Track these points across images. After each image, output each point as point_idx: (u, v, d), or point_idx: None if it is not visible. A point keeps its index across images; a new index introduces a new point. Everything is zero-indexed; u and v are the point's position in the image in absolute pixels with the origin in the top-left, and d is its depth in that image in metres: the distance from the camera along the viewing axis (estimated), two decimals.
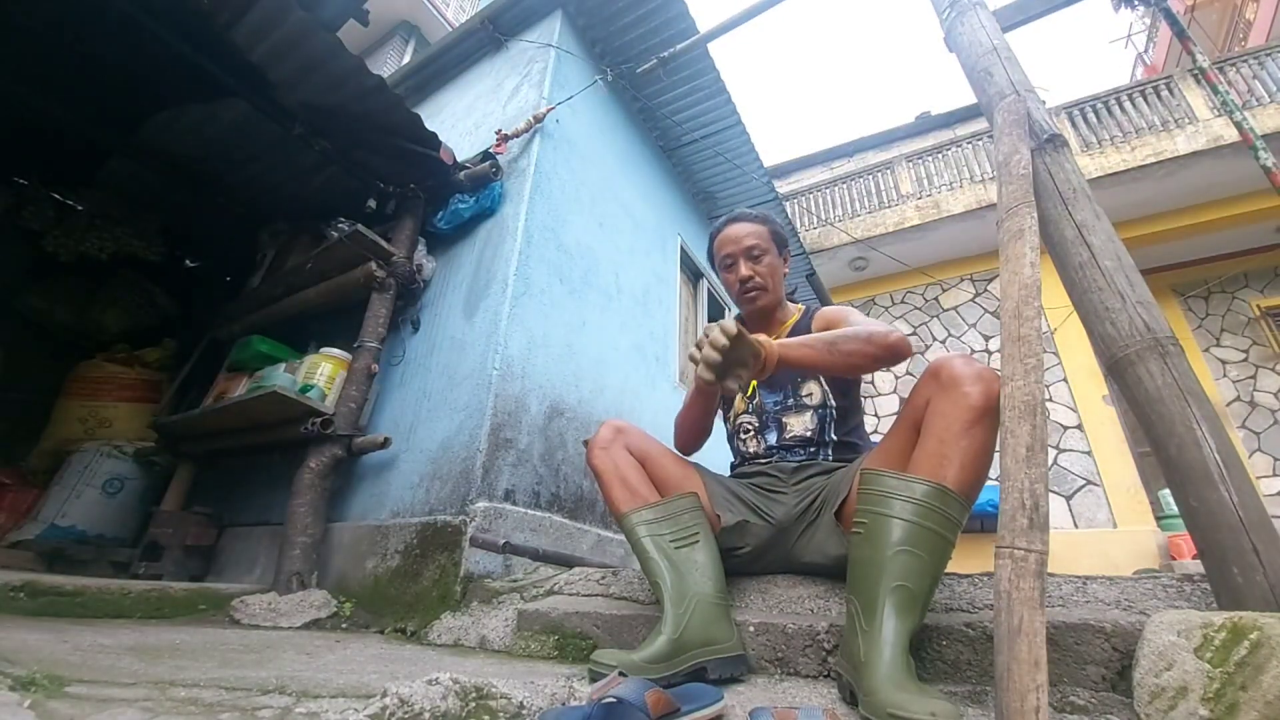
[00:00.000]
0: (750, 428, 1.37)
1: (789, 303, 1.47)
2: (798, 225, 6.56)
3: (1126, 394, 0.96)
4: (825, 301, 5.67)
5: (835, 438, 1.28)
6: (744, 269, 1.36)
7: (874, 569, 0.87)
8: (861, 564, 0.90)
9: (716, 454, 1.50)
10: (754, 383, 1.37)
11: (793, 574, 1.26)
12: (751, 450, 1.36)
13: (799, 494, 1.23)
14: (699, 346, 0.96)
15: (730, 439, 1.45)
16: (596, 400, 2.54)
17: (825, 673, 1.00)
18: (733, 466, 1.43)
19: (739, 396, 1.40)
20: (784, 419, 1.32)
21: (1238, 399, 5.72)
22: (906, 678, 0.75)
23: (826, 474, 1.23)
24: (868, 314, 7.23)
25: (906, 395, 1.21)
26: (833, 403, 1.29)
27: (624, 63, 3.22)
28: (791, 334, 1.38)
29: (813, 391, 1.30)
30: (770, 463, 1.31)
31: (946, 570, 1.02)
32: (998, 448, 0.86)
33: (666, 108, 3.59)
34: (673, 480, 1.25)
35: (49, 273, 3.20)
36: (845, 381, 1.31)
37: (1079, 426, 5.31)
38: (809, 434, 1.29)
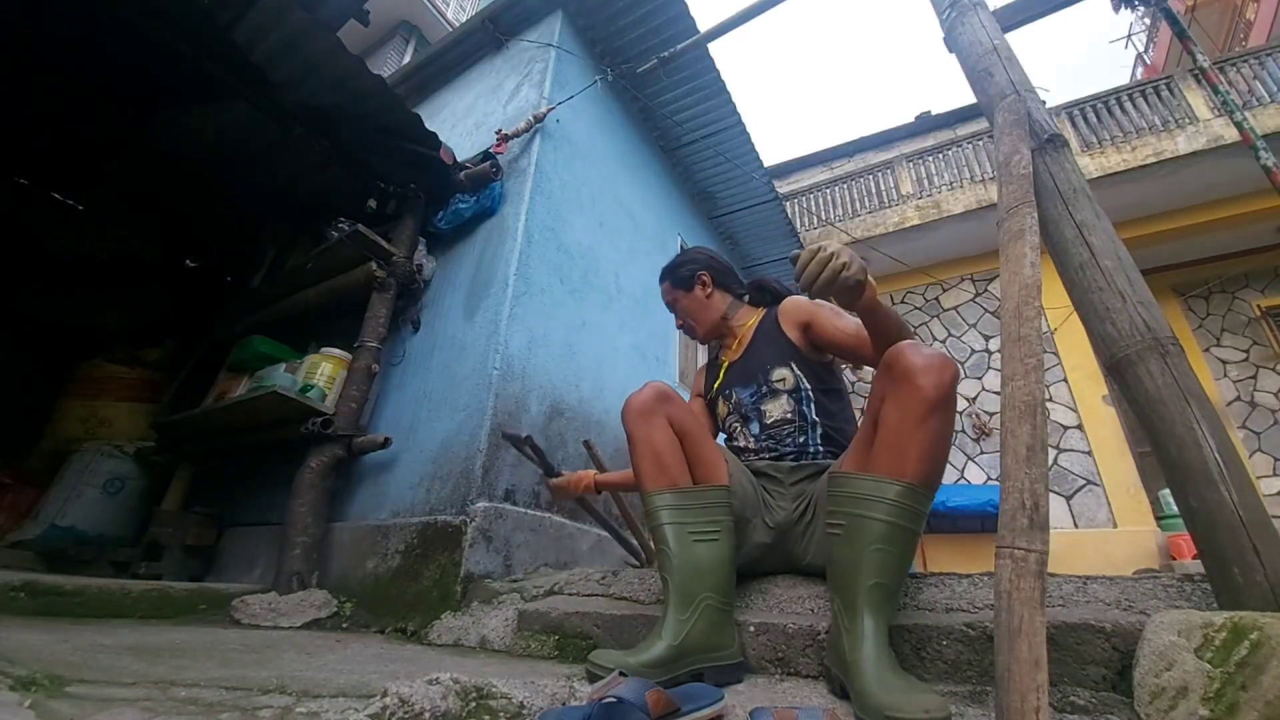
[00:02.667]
0: (737, 423, 1.42)
1: (744, 308, 1.53)
2: (798, 225, 6.55)
3: (1127, 394, 0.96)
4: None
5: (818, 419, 1.30)
6: (676, 317, 1.57)
7: (852, 569, 0.90)
8: (840, 564, 0.93)
9: None
10: (719, 382, 1.46)
11: (793, 574, 1.26)
12: (742, 444, 1.39)
13: (794, 498, 1.25)
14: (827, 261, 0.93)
15: (726, 440, 1.48)
16: (596, 400, 2.54)
17: (825, 673, 1.00)
18: None
19: (722, 402, 1.46)
20: (762, 407, 1.36)
21: (1238, 399, 5.72)
22: (893, 675, 0.78)
23: (818, 474, 1.25)
24: None
25: None
26: (806, 385, 1.32)
27: (624, 63, 3.22)
28: (755, 335, 1.44)
29: (785, 376, 1.33)
30: (766, 459, 1.33)
31: (946, 570, 1.03)
32: (997, 448, 0.86)
33: (667, 108, 3.59)
34: (705, 463, 1.19)
35: (50, 273, 3.20)
36: (819, 366, 1.33)
37: (1079, 426, 5.31)
38: (789, 415, 1.32)
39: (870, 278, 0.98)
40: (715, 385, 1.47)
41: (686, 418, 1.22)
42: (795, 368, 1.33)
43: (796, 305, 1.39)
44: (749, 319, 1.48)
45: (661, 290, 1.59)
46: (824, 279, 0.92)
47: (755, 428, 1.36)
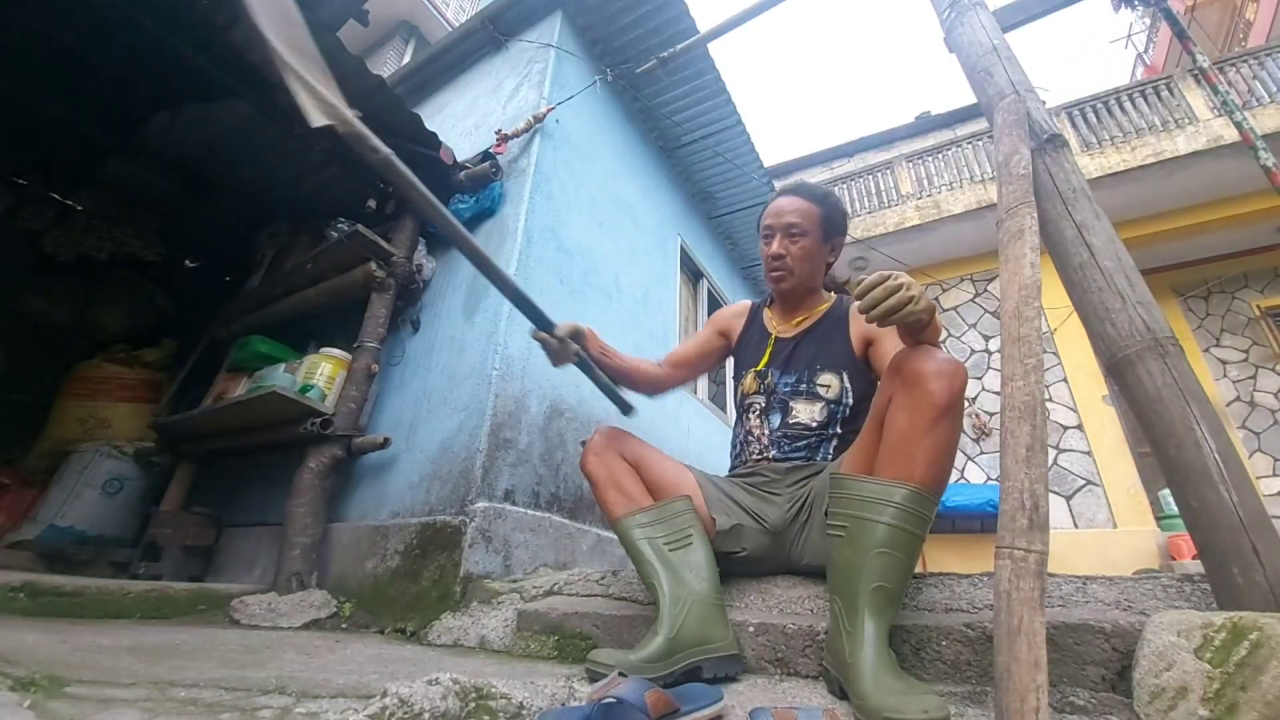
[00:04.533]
0: (758, 407, 1.34)
1: (825, 291, 1.43)
2: None
3: (1126, 394, 0.96)
4: None
5: (840, 432, 1.26)
6: (776, 246, 1.32)
7: (854, 571, 0.89)
8: (842, 566, 0.92)
9: (717, 456, 1.50)
10: (765, 360, 1.35)
11: (792, 574, 1.26)
12: (755, 429, 1.33)
13: (791, 497, 1.23)
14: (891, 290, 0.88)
15: (738, 418, 1.42)
16: (596, 400, 2.53)
17: (824, 673, 1.00)
18: (731, 464, 1.42)
19: (752, 375, 1.36)
20: (791, 404, 1.29)
21: (1238, 399, 5.72)
22: (892, 677, 0.78)
23: (816, 474, 1.23)
24: None
25: None
26: (849, 400, 1.26)
27: (624, 63, 3.22)
28: (820, 321, 1.36)
29: (831, 383, 1.27)
30: (764, 460, 1.30)
31: (946, 570, 1.03)
32: (997, 448, 0.86)
33: (666, 108, 3.59)
34: (666, 483, 1.24)
35: (49, 273, 3.20)
36: (867, 381, 1.27)
37: (1079, 426, 5.31)
38: (814, 424, 1.26)
39: (937, 317, 0.96)
40: (762, 361, 1.36)
41: (638, 448, 1.28)
42: (846, 378, 1.27)
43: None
44: (820, 304, 1.39)
45: (789, 204, 1.32)
46: (888, 306, 0.87)
47: (775, 420, 1.30)
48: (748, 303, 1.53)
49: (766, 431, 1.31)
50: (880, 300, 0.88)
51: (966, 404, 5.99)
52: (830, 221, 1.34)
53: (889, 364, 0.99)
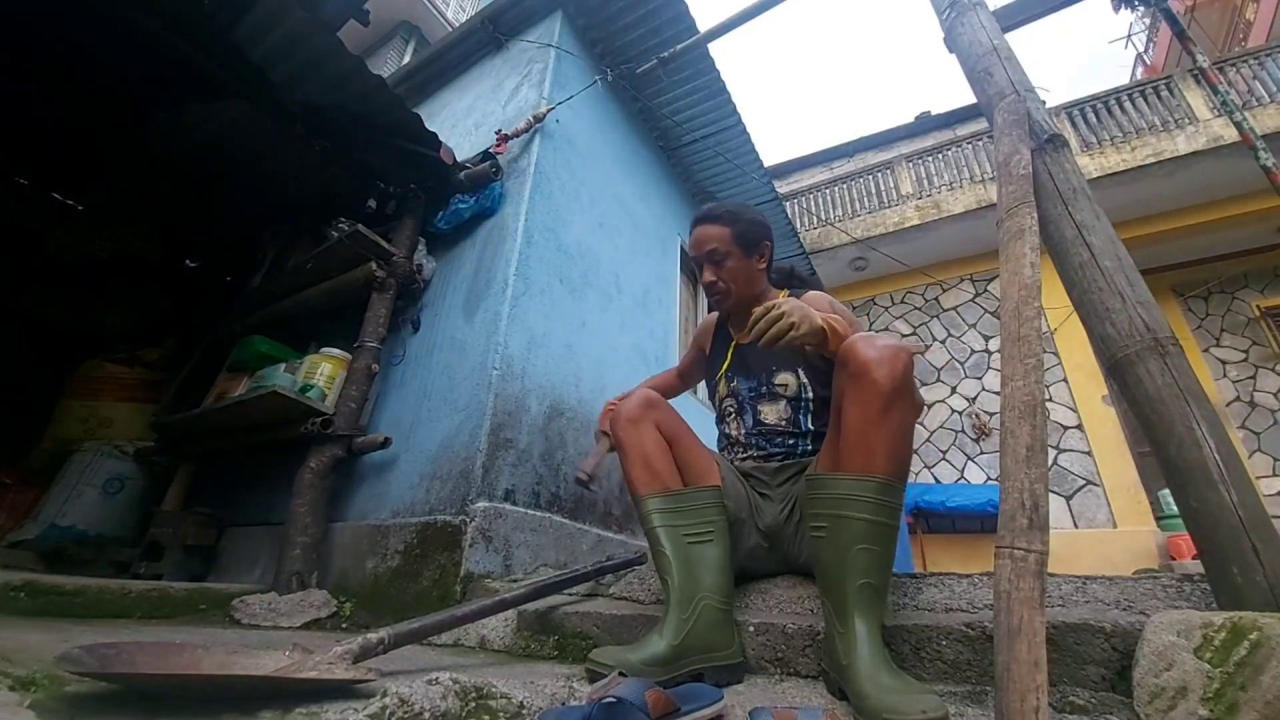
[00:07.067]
0: (731, 410, 1.38)
1: (771, 290, 1.44)
2: (798, 225, 6.56)
3: (1126, 394, 0.96)
4: None
5: (813, 428, 1.27)
6: (706, 274, 1.34)
7: (839, 570, 0.91)
8: (827, 566, 0.94)
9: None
10: (725, 365, 1.40)
11: (792, 574, 1.26)
12: (733, 432, 1.37)
13: (782, 498, 1.24)
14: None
15: (717, 421, 1.46)
16: (597, 400, 2.54)
17: (824, 673, 1.00)
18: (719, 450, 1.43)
19: (722, 380, 1.41)
20: (758, 405, 1.32)
21: (1238, 399, 5.72)
22: (890, 676, 0.78)
23: (803, 472, 1.23)
24: (868, 314, 7.29)
25: None
26: (809, 394, 1.27)
27: (624, 63, 3.22)
28: None
29: (788, 382, 1.28)
30: (750, 457, 1.31)
31: (946, 570, 1.03)
32: (997, 448, 0.87)
33: (666, 108, 3.60)
34: (698, 467, 1.20)
35: (50, 273, 3.20)
36: (824, 371, 1.28)
37: (1079, 426, 5.31)
38: (782, 423, 1.28)
39: (837, 328, 0.98)
40: (723, 367, 1.41)
41: (675, 423, 1.23)
42: (802, 374, 1.28)
43: (818, 304, 1.30)
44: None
45: (704, 233, 1.32)
46: (770, 335, 0.94)
47: (749, 421, 1.33)
48: (715, 315, 1.56)
49: (743, 432, 1.34)
50: (764, 331, 0.94)
51: (966, 403, 6.00)
52: (746, 236, 1.32)
53: (837, 359, 0.99)
